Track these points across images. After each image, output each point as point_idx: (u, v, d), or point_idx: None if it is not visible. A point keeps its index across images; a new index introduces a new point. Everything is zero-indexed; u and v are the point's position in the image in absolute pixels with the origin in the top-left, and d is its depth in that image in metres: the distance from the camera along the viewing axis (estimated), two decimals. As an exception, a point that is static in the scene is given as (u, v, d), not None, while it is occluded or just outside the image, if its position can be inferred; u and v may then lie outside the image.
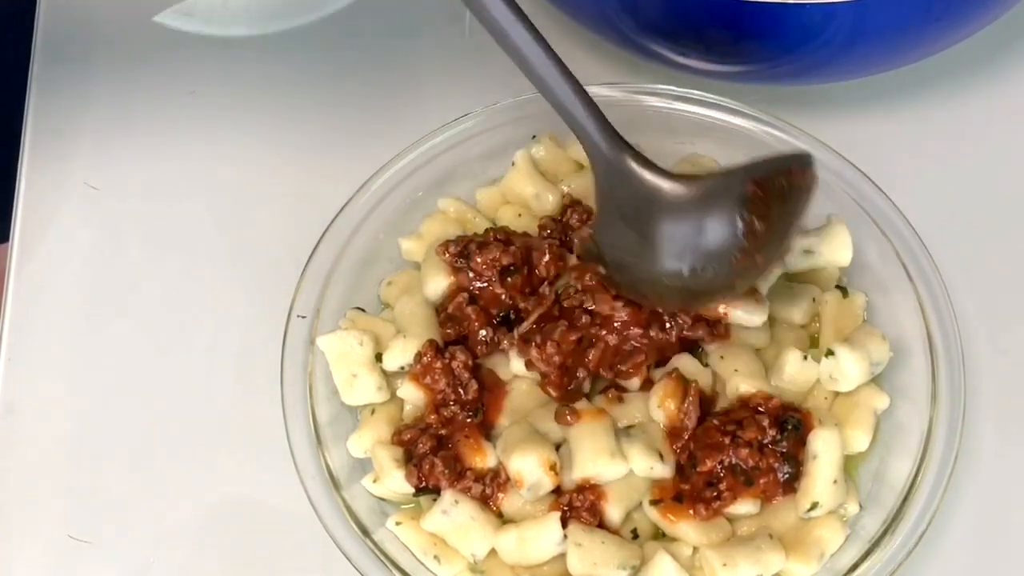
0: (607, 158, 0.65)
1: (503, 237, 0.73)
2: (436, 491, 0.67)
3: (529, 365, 0.69)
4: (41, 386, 0.76)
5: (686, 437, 0.67)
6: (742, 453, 0.66)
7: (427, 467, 0.67)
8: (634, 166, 0.65)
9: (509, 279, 0.71)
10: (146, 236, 0.81)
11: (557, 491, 0.67)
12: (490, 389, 0.70)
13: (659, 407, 0.67)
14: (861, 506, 0.68)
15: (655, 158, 0.76)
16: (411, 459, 0.68)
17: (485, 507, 0.67)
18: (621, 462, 0.66)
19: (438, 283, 0.73)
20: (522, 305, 0.70)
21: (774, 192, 0.63)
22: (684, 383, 0.68)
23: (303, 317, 0.71)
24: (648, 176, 0.64)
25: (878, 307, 0.73)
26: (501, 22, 0.61)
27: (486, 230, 0.74)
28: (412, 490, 0.68)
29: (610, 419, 0.68)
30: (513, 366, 0.70)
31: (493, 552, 0.66)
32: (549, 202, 0.76)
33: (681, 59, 0.78)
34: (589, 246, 0.69)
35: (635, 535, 0.67)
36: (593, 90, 0.78)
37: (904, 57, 0.79)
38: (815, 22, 0.71)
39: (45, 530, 0.72)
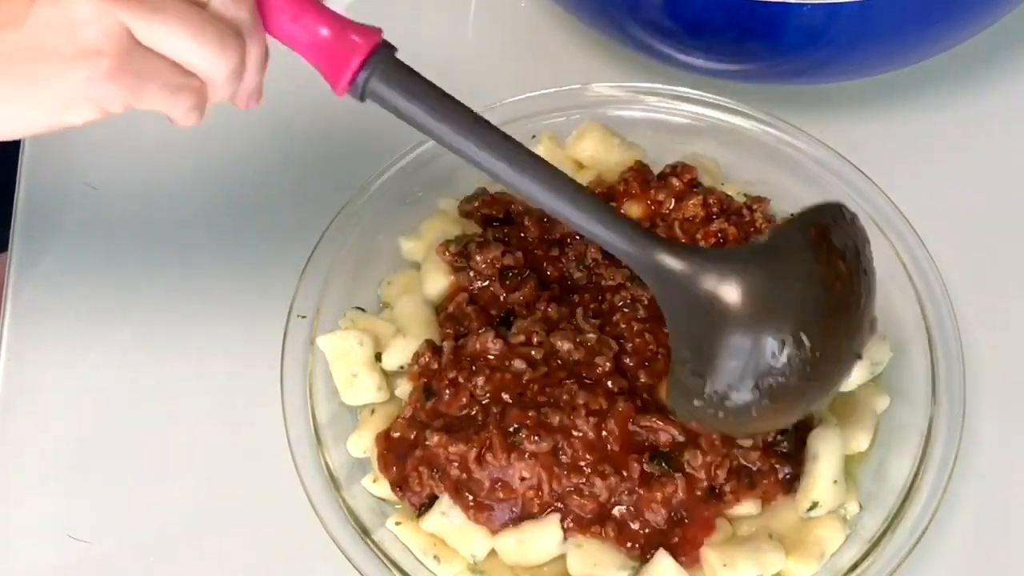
0: (653, 270, 0.57)
1: (503, 236, 0.73)
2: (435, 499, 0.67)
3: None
4: (41, 386, 0.76)
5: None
6: (752, 456, 0.66)
7: (416, 483, 0.67)
8: (676, 264, 0.57)
9: (508, 281, 0.71)
10: (146, 236, 0.81)
11: (557, 491, 0.67)
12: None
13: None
14: (861, 506, 0.68)
15: (656, 158, 0.77)
16: (400, 486, 0.67)
17: (485, 507, 0.67)
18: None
19: (438, 283, 0.73)
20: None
21: (835, 236, 0.57)
22: None
23: (303, 317, 0.71)
24: (703, 280, 0.56)
25: (878, 307, 0.73)
26: (475, 157, 0.56)
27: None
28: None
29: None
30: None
31: (493, 552, 0.66)
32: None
33: (682, 57, 0.78)
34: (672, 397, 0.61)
35: (635, 535, 0.67)
36: (594, 89, 0.79)
37: (905, 58, 0.79)
38: (816, 22, 0.71)
39: (45, 530, 0.72)
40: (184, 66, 0.52)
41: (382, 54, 0.55)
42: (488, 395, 0.66)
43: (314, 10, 0.55)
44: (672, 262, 0.57)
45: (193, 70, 0.52)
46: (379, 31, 0.56)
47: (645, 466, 0.65)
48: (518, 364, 0.67)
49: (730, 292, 0.56)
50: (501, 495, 0.65)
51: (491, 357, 0.67)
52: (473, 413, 0.67)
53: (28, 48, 0.50)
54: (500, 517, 0.66)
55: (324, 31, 0.55)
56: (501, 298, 0.71)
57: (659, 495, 0.64)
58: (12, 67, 0.50)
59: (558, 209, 0.58)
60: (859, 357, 0.59)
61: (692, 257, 0.58)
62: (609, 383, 0.67)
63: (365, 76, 0.55)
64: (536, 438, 0.65)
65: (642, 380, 0.68)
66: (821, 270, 0.56)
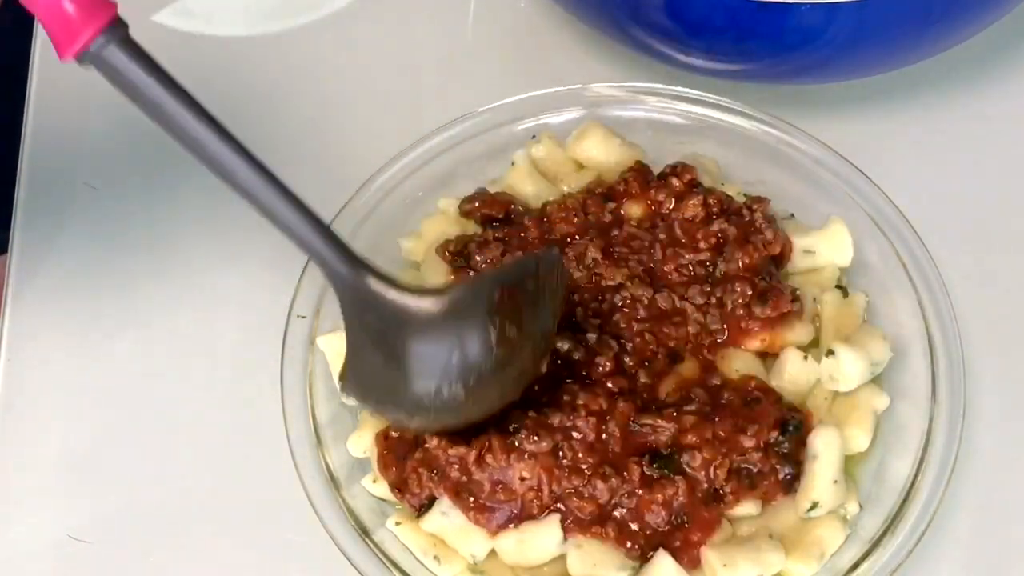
0: (348, 282, 0.61)
1: (503, 236, 0.73)
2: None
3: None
4: (41, 385, 0.76)
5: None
6: (753, 457, 0.66)
7: (415, 485, 0.67)
8: (376, 285, 0.61)
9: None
10: (145, 236, 0.81)
11: (557, 491, 0.67)
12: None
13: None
14: (861, 506, 0.68)
15: (656, 158, 0.77)
16: (399, 488, 0.67)
17: (484, 508, 0.67)
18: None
19: (438, 283, 0.73)
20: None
21: (523, 294, 0.62)
22: None
23: (303, 317, 0.71)
24: (393, 295, 0.61)
25: (878, 307, 0.73)
26: (196, 135, 0.57)
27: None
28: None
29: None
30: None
31: (493, 552, 0.66)
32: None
33: (682, 57, 0.78)
34: (346, 384, 0.66)
35: (635, 535, 0.67)
36: (594, 89, 0.79)
37: (905, 58, 0.79)
38: (816, 22, 0.71)
39: (45, 530, 0.72)
40: None
41: (119, 26, 0.56)
42: None
43: None
44: (379, 285, 0.61)
45: None
46: (115, 4, 0.56)
47: (645, 469, 0.65)
48: None
49: (419, 307, 0.61)
50: (501, 497, 0.65)
51: None
52: None
53: None
54: (500, 518, 0.65)
55: None
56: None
57: (660, 497, 0.64)
58: None
59: (272, 208, 0.60)
60: (516, 400, 0.64)
61: (396, 285, 0.62)
62: (609, 383, 0.67)
63: (101, 43, 0.55)
64: (535, 438, 0.65)
65: (642, 380, 0.68)
66: (494, 332, 0.60)
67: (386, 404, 0.64)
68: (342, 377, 0.66)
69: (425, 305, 0.61)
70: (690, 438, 0.65)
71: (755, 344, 0.70)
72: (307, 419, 0.69)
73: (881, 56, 0.77)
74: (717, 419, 0.66)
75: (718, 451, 0.65)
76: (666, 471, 0.65)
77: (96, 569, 0.71)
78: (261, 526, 0.71)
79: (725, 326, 0.70)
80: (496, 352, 0.60)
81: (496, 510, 0.65)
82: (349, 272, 0.61)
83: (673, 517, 0.65)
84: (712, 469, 0.65)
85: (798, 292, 0.71)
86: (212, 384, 0.76)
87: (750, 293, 0.70)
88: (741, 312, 0.70)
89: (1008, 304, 0.77)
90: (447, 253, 0.72)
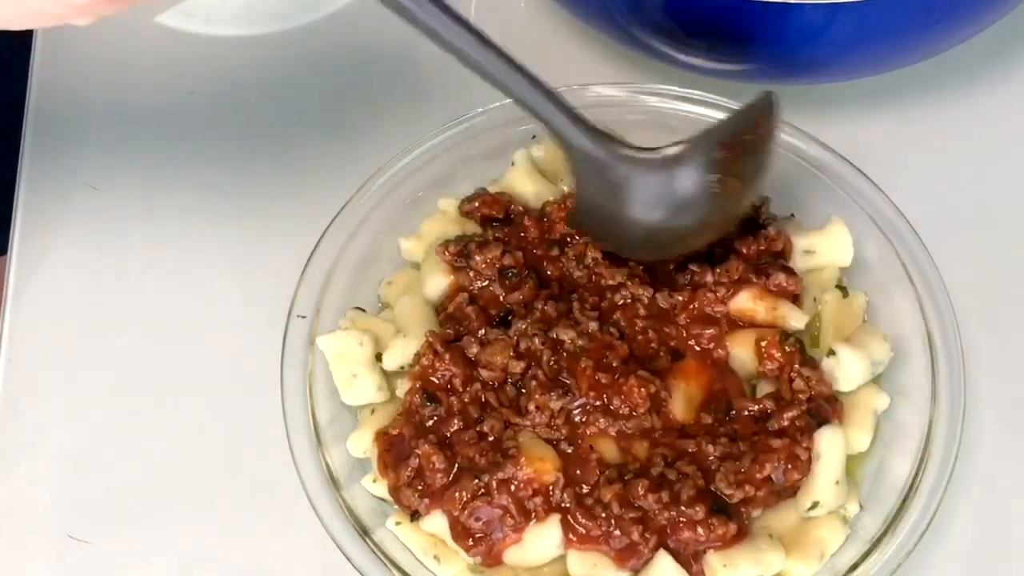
0: (583, 148, 0.65)
1: (503, 236, 0.73)
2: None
3: None
4: (41, 386, 0.76)
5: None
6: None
7: (406, 499, 0.67)
8: (611, 147, 0.65)
9: (508, 280, 0.71)
10: (146, 236, 0.81)
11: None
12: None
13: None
14: (861, 506, 0.68)
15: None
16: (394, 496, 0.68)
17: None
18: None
19: (438, 283, 0.73)
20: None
21: (743, 148, 0.66)
22: None
23: (303, 317, 0.71)
24: (624, 151, 0.66)
25: (878, 307, 0.73)
26: (436, 26, 0.63)
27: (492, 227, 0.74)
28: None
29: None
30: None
31: (493, 552, 0.66)
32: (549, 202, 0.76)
33: (682, 57, 0.78)
34: (573, 221, 0.72)
35: (635, 535, 0.67)
36: (594, 89, 0.79)
37: (905, 58, 0.79)
38: (816, 22, 0.71)
39: (45, 530, 0.72)
40: None
41: None
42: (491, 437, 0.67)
43: None
44: (613, 146, 0.66)
45: None
46: None
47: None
48: (514, 365, 0.68)
49: (649, 158, 0.66)
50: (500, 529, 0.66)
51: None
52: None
53: None
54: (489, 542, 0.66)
55: None
56: (501, 298, 0.71)
57: (713, 534, 0.64)
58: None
59: (521, 92, 0.64)
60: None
61: (625, 144, 0.67)
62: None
63: None
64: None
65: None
66: (712, 177, 0.66)
67: (605, 237, 0.70)
68: (570, 218, 0.72)
69: (649, 156, 0.66)
70: (748, 490, 0.65)
71: (756, 306, 0.70)
72: (307, 419, 0.69)
73: (882, 56, 0.77)
74: (752, 457, 0.66)
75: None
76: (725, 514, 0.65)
77: (96, 569, 0.71)
78: (261, 526, 0.71)
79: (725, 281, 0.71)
80: (717, 198, 0.66)
81: (492, 538, 0.66)
82: (587, 142, 0.65)
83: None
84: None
85: (799, 277, 0.71)
86: (212, 384, 0.76)
87: (742, 268, 0.70)
88: (738, 276, 0.71)
89: (1008, 304, 0.77)
90: (447, 253, 0.72)
